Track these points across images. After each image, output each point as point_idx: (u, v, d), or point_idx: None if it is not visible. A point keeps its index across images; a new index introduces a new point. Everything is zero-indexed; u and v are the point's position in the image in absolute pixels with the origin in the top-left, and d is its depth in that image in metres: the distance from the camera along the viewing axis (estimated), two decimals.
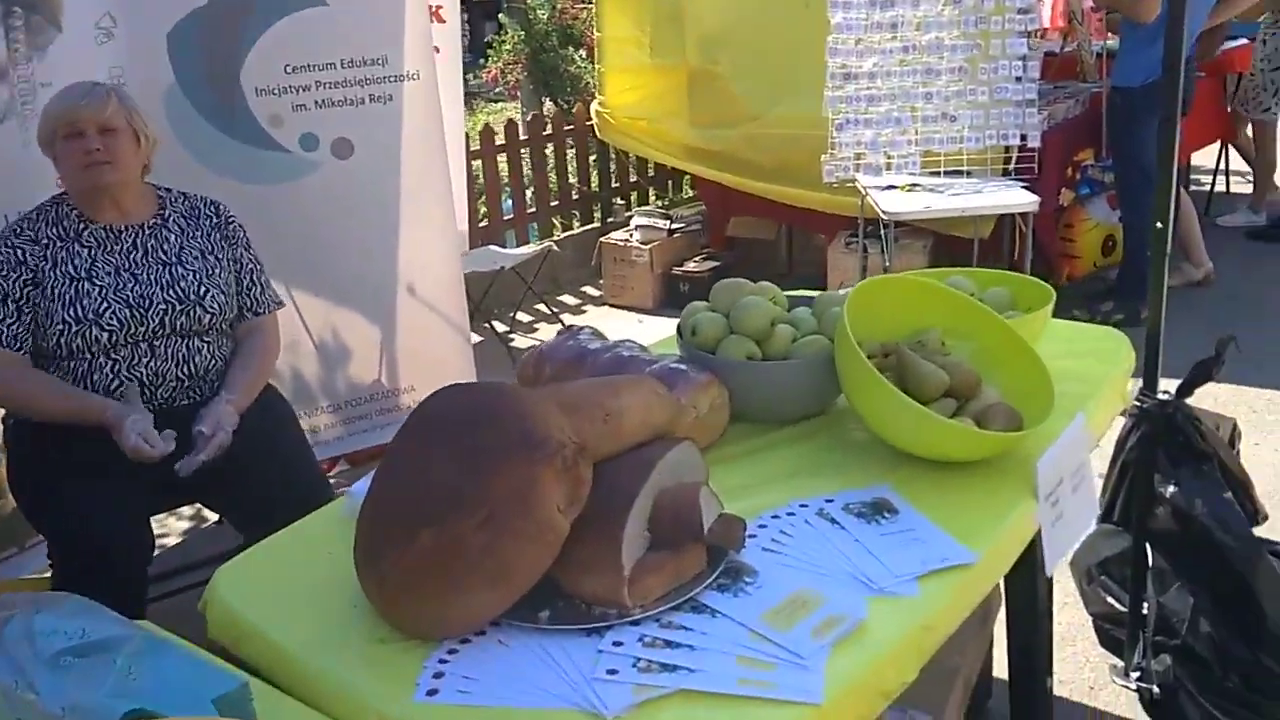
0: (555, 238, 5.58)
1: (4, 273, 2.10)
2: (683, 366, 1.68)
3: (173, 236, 2.27)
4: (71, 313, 2.10)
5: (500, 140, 5.32)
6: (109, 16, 2.65)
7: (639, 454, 1.37)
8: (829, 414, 1.79)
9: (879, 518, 1.46)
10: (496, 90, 9.50)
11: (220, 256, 2.30)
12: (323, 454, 3.27)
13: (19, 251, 2.12)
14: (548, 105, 7.42)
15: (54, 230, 2.16)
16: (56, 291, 2.11)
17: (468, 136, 5.07)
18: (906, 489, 1.54)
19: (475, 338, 4.66)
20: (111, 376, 2.14)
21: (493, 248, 4.74)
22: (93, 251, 2.17)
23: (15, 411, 2.18)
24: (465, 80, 4.46)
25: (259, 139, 2.91)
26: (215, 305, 2.23)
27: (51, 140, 2.13)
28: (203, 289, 2.22)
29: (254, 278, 2.37)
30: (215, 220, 2.34)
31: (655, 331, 4.61)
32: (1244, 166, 5.94)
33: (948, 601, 1.32)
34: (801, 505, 1.50)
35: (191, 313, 2.19)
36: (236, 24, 2.81)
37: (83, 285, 2.13)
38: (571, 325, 1.64)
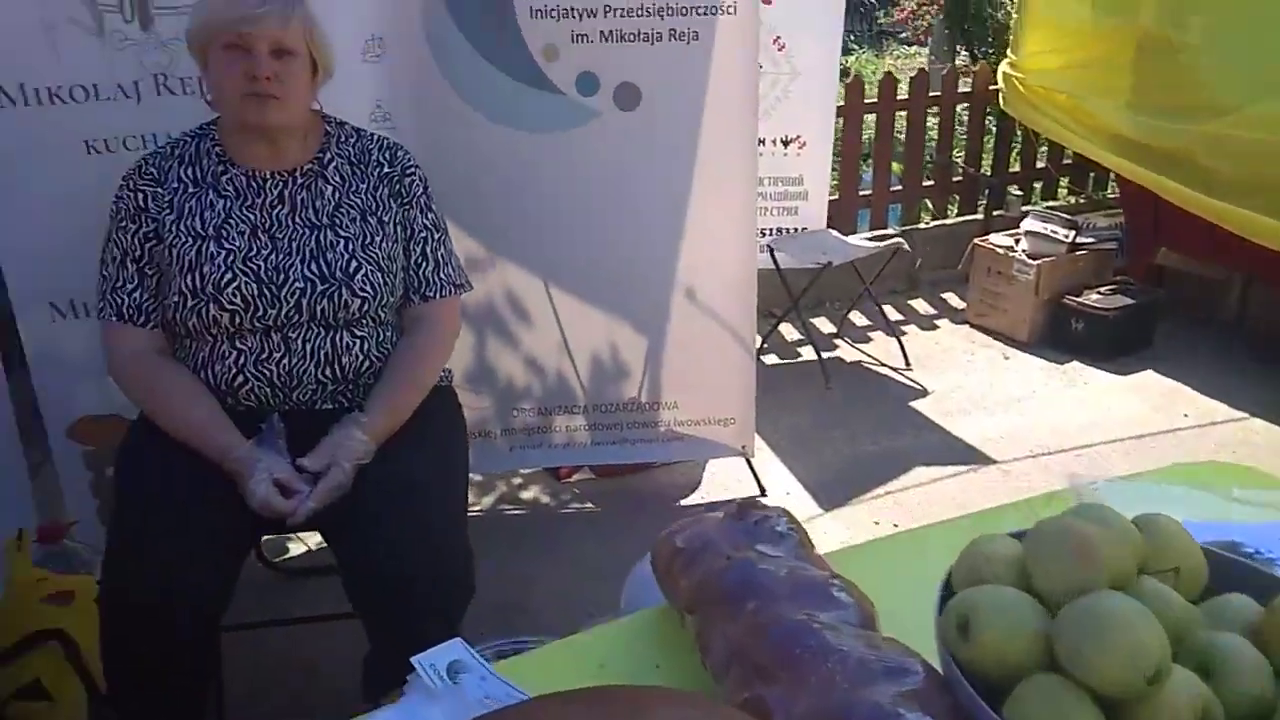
0: (920, 226, 4.55)
1: (123, 222, 1.65)
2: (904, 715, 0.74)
3: (329, 189, 1.70)
4: (190, 281, 1.61)
5: (871, 98, 4.35)
6: None
7: None
8: None
9: None
10: (903, 34, 8.37)
11: (386, 219, 1.71)
12: (564, 459, 2.73)
13: (140, 195, 1.65)
14: (961, 56, 6.23)
15: (189, 171, 1.67)
16: (176, 251, 1.63)
17: (855, 84, 4.20)
18: None
19: (792, 334, 3.90)
20: (235, 371, 1.63)
21: (828, 233, 3.84)
22: (229, 203, 1.66)
23: (138, 406, 1.73)
24: (874, 19, 3.54)
25: (527, 73, 2.28)
26: (368, 288, 1.65)
27: (205, 43, 1.61)
28: (353, 265, 1.65)
29: (428, 249, 1.76)
30: (387, 170, 1.75)
31: (1022, 378, 3.61)
32: None
33: None
34: None
35: (336, 296, 1.63)
36: None
37: (207, 246, 1.62)
38: (750, 502, 0.77)
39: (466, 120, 2.29)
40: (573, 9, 2.23)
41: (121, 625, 1.48)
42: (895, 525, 2.61)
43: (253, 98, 1.59)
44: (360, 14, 2.15)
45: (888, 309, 4.01)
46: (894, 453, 3.02)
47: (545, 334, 2.55)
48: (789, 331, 3.92)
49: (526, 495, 2.82)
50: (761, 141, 3.32)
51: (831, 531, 2.59)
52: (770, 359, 3.72)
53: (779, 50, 3.45)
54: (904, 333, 3.94)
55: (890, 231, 4.35)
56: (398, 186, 1.74)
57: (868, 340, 3.95)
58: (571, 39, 2.25)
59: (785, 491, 2.81)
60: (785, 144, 3.61)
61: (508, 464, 2.73)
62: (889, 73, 4.56)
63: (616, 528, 2.59)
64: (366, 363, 1.69)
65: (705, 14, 2.24)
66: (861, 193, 4.44)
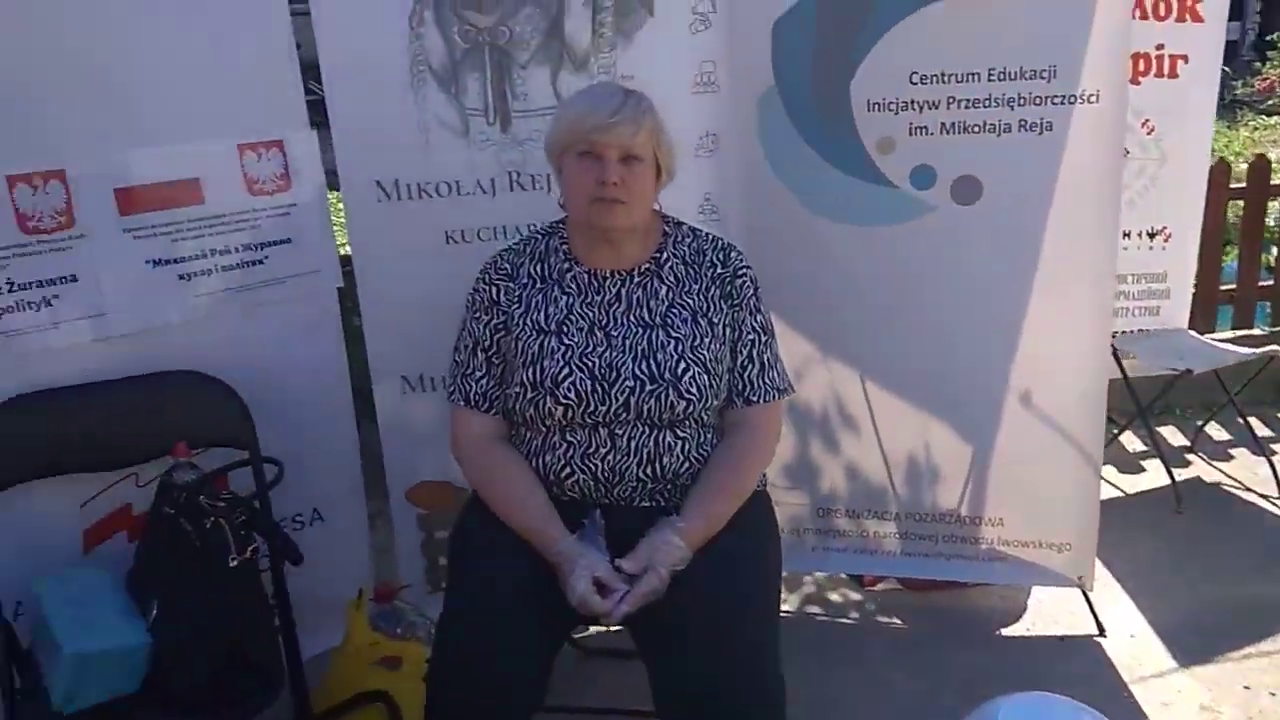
0: None
1: (477, 313, 1.75)
2: None
3: (664, 289, 1.72)
4: (531, 374, 1.67)
5: (1238, 182, 3.85)
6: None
7: None
8: None
9: None
10: (1270, 101, 7.48)
11: (716, 321, 1.70)
12: (871, 566, 2.61)
13: (495, 289, 1.74)
14: None
15: (538, 267, 1.75)
16: (521, 344, 1.70)
17: (1221, 167, 3.75)
18: None
19: (1135, 444, 3.47)
20: (563, 463, 1.68)
21: (1186, 333, 3.40)
22: (571, 300, 1.71)
23: (475, 487, 1.81)
24: (1231, 87, 3.22)
25: (859, 166, 2.21)
26: (694, 390, 1.64)
27: (560, 151, 1.69)
28: (681, 366, 1.64)
29: (755, 352, 1.73)
30: (720, 271, 1.74)
31: None
32: None
33: None
34: None
35: (663, 397, 1.63)
36: (857, 14, 2.13)
37: (549, 341, 1.68)
38: None
39: (794, 213, 2.26)
40: (913, 101, 2.14)
41: (444, 705, 1.53)
42: (1272, 694, 2.19)
43: (600, 202, 1.65)
44: (700, 113, 2.19)
45: (1254, 422, 3.47)
46: (1268, 601, 2.56)
47: (860, 433, 2.42)
48: (1131, 442, 3.50)
49: (829, 599, 2.67)
50: (1125, 234, 3.02)
51: (1188, 692, 2.22)
52: (1108, 471, 3.33)
53: (1147, 134, 3.14)
54: (1274, 452, 3.39)
55: (1259, 333, 3.80)
56: (729, 288, 1.73)
57: (1228, 458, 3.43)
58: (909, 131, 2.15)
59: (1129, 634, 2.45)
60: (1151, 236, 3.26)
61: (811, 565, 2.61)
62: (1261, 154, 4.04)
63: (928, 654, 2.38)
64: (686, 464, 1.67)
65: (1062, 103, 2.06)
66: (1224, 287, 3.93)
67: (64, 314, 1.82)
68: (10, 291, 1.76)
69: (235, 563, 1.69)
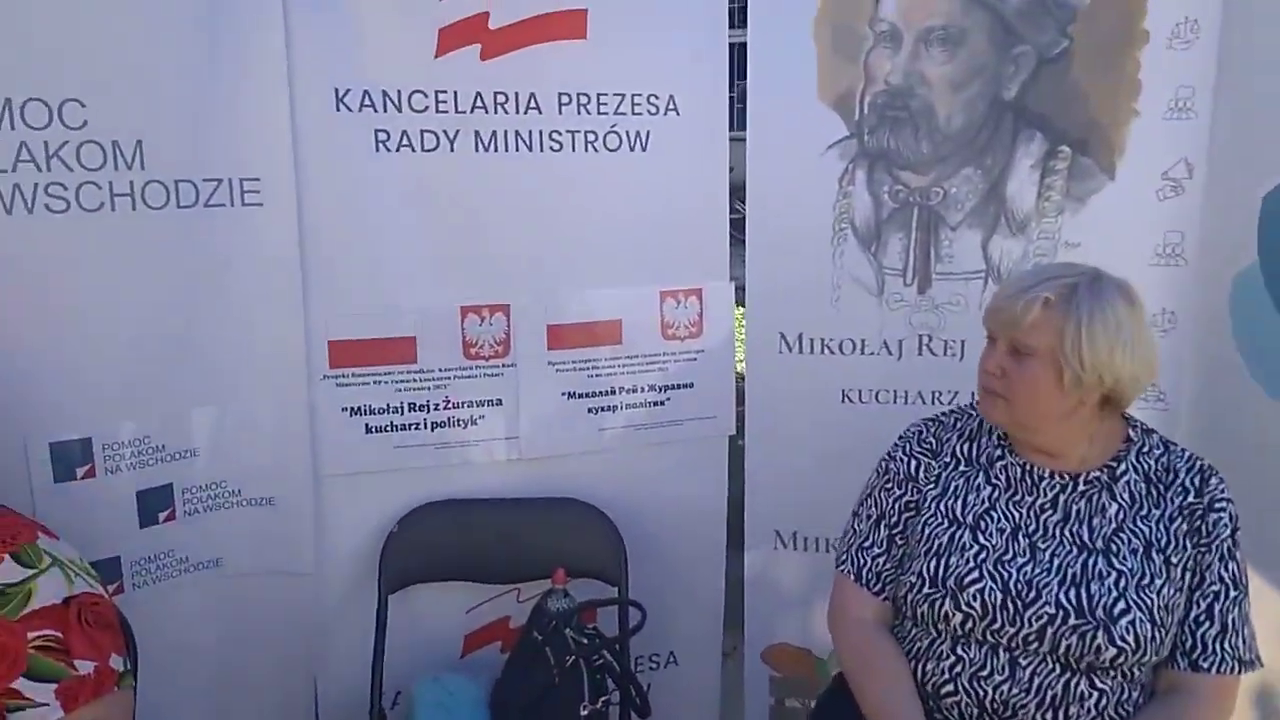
0: None
1: (889, 484, 1.59)
2: None
3: (1114, 508, 1.45)
4: (932, 568, 1.49)
5: None
6: (1184, 164, 1.91)
7: None
8: None
9: None
10: None
11: (1175, 560, 1.41)
12: None
13: (914, 463, 1.58)
14: None
15: (965, 447, 1.56)
16: (929, 530, 1.52)
17: None
18: None
19: None
20: (947, 678, 1.46)
21: None
22: (996, 493, 1.51)
23: (844, 669, 1.65)
24: None
25: None
26: (1131, 638, 1.36)
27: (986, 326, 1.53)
28: (1120, 606, 1.38)
29: (1217, 607, 1.40)
30: (1191, 499, 1.44)
31: None
32: None
33: None
34: None
35: (1089, 637, 1.37)
36: None
37: (962, 536, 1.49)
38: None
39: (1266, 414, 1.89)
40: None
41: None
42: None
43: (981, 392, 1.47)
44: (1157, 288, 1.92)
45: None
46: None
47: None
48: None
49: None
50: None
51: None
52: None
53: None
54: None
55: None
56: (1199, 523, 1.42)
57: None
58: None
59: None
60: None
61: None
62: None
63: None
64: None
65: None
66: None
67: (486, 433, 1.95)
68: (446, 408, 1.91)
69: (586, 712, 1.68)
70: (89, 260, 1.58)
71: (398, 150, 1.77)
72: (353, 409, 1.85)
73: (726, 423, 2.11)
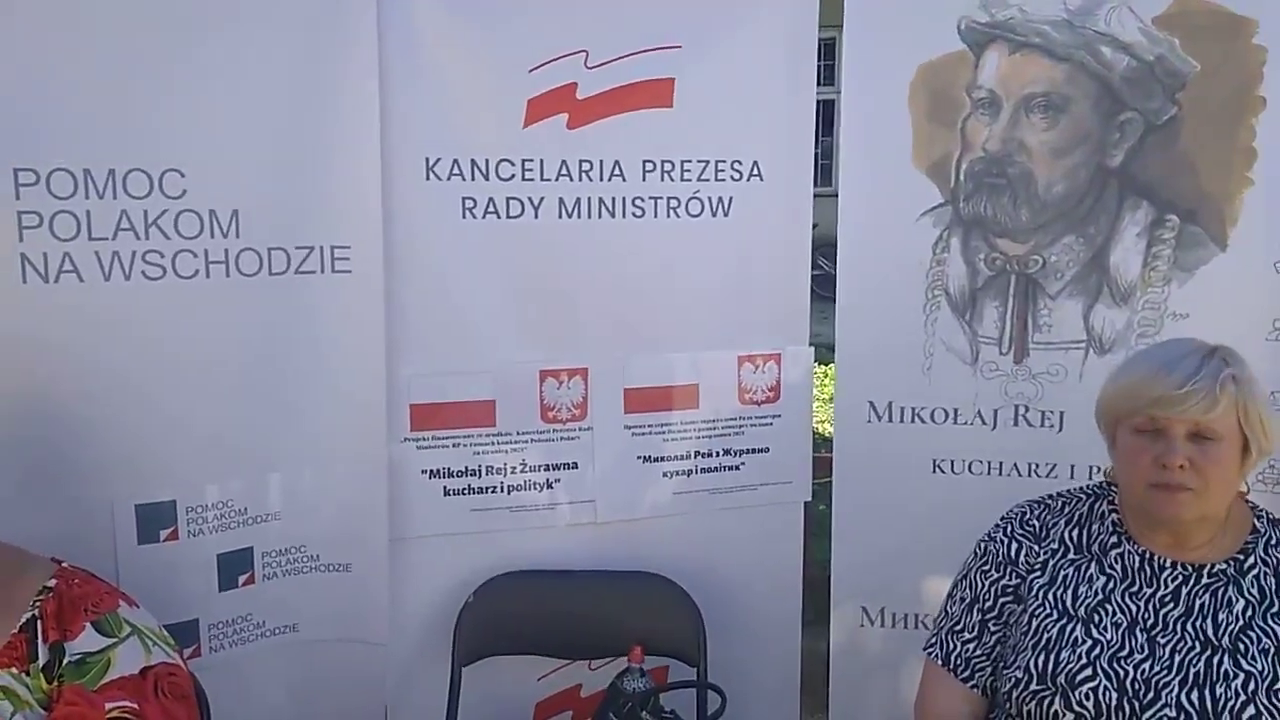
0: None
1: (986, 566, 1.50)
2: None
3: (1242, 603, 1.34)
4: (1039, 662, 1.39)
5: None
6: None
7: None
8: None
9: None
10: None
11: None
12: None
13: (1014, 545, 1.49)
14: None
15: (1075, 532, 1.47)
16: (1035, 622, 1.42)
17: None
18: None
19: None
20: None
21: None
22: (1111, 585, 1.41)
23: None
24: None
25: None
26: None
27: (1115, 418, 1.41)
28: (1248, 712, 1.28)
29: None
30: None
31: None
32: None
33: None
34: None
35: None
36: None
37: (1074, 629, 1.39)
38: None
39: None
40: None
41: None
42: None
43: (1162, 489, 1.33)
44: (1275, 364, 1.80)
45: None
46: None
47: None
48: None
49: None
50: None
51: None
52: None
53: None
54: None
55: None
56: None
57: None
58: None
59: None
60: None
61: None
62: None
63: None
64: None
65: None
66: None
67: (561, 497, 1.93)
68: (523, 471, 1.90)
69: None
70: (181, 325, 1.60)
71: (483, 217, 1.79)
72: (432, 471, 1.85)
73: (802, 489, 2.07)
